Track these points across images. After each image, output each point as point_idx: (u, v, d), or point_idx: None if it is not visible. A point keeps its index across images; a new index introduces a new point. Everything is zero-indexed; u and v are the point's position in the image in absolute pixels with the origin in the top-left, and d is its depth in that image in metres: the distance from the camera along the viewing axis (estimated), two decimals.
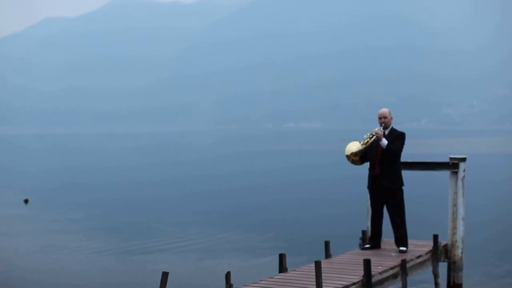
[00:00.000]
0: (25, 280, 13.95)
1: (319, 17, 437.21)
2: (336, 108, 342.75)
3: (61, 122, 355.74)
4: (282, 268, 8.82)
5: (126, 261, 15.84)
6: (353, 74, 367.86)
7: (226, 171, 45.67)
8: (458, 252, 10.57)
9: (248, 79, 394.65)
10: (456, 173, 10.56)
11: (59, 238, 19.22)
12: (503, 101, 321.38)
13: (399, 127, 10.29)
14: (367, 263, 8.14)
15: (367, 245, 10.39)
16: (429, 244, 10.36)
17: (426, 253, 10.03)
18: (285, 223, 21.70)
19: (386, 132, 10.07)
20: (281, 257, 8.88)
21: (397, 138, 9.99)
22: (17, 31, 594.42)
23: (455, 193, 10.59)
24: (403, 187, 10.13)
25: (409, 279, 9.35)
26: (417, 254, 9.87)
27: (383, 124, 10.06)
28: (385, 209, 10.18)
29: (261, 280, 8.36)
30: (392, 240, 10.41)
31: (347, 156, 10.15)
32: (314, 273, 7.75)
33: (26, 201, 27.96)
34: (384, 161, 9.95)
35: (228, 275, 7.76)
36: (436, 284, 10.16)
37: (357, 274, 8.40)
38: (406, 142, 10.14)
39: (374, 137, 9.95)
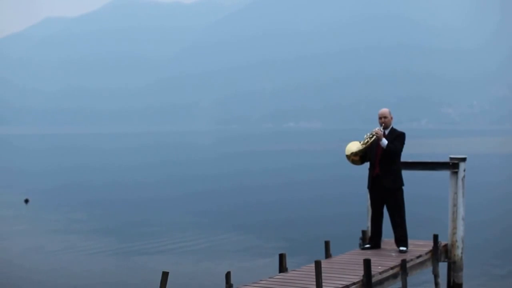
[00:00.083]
0: (25, 280, 13.95)
1: (319, 17, 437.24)
2: (336, 108, 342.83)
3: (61, 122, 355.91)
4: (282, 268, 8.82)
5: (126, 261, 15.84)
6: (353, 74, 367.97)
7: (226, 171, 45.67)
8: (458, 252, 10.58)
9: (248, 79, 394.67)
10: (456, 173, 10.56)
11: (59, 238, 19.22)
12: (503, 101, 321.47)
13: (399, 127, 10.29)
14: (367, 263, 8.14)
15: (367, 245, 10.39)
16: (429, 244, 10.36)
17: (426, 253, 10.03)
18: (285, 223, 21.70)
19: (386, 132, 10.07)
20: (281, 257, 8.88)
21: (397, 138, 9.99)
22: (17, 31, 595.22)
23: (455, 193, 10.59)
24: (403, 187, 10.13)
25: (409, 279, 9.35)
26: (417, 254, 9.87)
27: (383, 124, 10.06)
28: (385, 209, 10.18)
29: (261, 280, 8.37)
30: (392, 240, 10.41)
31: (347, 156, 10.15)
32: (314, 273, 7.75)
33: (26, 201, 27.97)
34: (384, 161, 9.96)
35: (228, 275, 7.77)
36: (436, 284, 10.17)
37: (357, 274, 8.40)
38: (406, 142, 10.15)
39: (374, 137, 9.96)
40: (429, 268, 10.20)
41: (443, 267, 10.61)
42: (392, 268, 8.92)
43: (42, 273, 14.59)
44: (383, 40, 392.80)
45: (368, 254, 9.64)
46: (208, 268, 14.83)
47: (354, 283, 8.05)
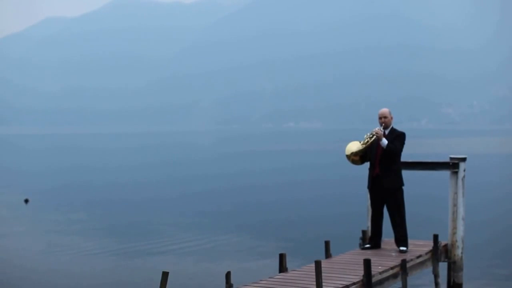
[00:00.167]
0: (25, 280, 13.95)
1: (319, 17, 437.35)
2: (336, 108, 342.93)
3: (61, 122, 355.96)
4: (282, 268, 8.82)
5: (126, 261, 15.84)
6: (353, 74, 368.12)
7: (226, 171, 45.67)
8: (458, 252, 10.57)
9: (248, 79, 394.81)
10: (456, 173, 10.56)
11: (59, 238, 19.22)
12: (503, 101, 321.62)
13: (399, 127, 10.29)
14: (367, 263, 8.14)
15: (367, 245, 10.39)
16: (429, 244, 10.36)
17: (426, 253, 10.03)
18: (285, 223, 21.69)
19: (386, 132, 10.07)
20: (281, 257, 8.88)
21: (397, 138, 9.99)
22: (17, 31, 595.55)
23: (455, 193, 10.59)
24: (403, 187, 10.13)
25: (409, 279, 9.35)
26: (417, 254, 9.87)
27: (383, 124, 10.06)
28: (385, 209, 10.19)
29: (261, 280, 8.36)
30: (392, 240, 10.41)
31: (347, 156, 10.15)
32: (314, 273, 7.74)
33: (26, 201, 27.96)
34: (384, 161, 9.96)
35: (228, 275, 7.76)
36: (436, 284, 10.17)
37: (357, 274, 8.40)
38: (406, 142, 10.15)
39: (374, 137, 9.96)
40: (429, 268, 10.20)
41: (443, 267, 10.61)
42: (392, 268, 8.92)
43: (42, 273, 14.59)
44: (383, 40, 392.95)
45: (368, 254, 9.64)
46: (208, 268, 14.82)
47: (354, 283, 8.05)
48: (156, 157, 66.45)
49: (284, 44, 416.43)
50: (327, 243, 9.96)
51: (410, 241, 10.29)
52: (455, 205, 10.60)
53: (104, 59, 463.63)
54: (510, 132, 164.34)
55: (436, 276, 10.15)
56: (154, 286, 9.75)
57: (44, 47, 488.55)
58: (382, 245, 10.42)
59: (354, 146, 10.12)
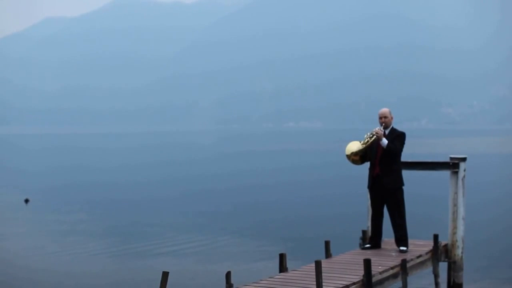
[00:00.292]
0: (25, 280, 13.95)
1: (319, 17, 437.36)
2: (336, 108, 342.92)
3: (61, 122, 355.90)
4: (283, 268, 8.82)
5: (126, 261, 15.84)
6: (353, 74, 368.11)
7: (226, 171, 45.67)
8: (459, 252, 10.58)
9: (248, 79, 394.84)
10: (456, 173, 10.56)
11: (58, 238, 19.22)
12: (503, 101, 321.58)
13: (399, 127, 10.30)
14: (367, 263, 8.14)
15: (367, 245, 10.39)
16: (429, 244, 10.36)
17: (426, 253, 10.03)
18: (285, 223, 21.69)
19: (387, 132, 10.08)
20: (281, 257, 8.88)
21: (397, 138, 10.00)
22: (17, 31, 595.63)
23: (456, 193, 10.59)
24: (403, 187, 10.14)
25: (409, 279, 9.35)
26: (417, 254, 9.87)
27: (383, 124, 10.07)
28: (385, 209, 10.19)
29: (261, 280, 8.37)
30: (393, 240, 10.41)
31: (347, 155, 10.16)
32: (314, 273, 7.75)
33: (26, 201, 27.96)
34: (384, 161, 9.96)
35: (228, 275, 7.76)
36: (436, 284, 10.17)
37: (358, 274, 8.40)
38: (406, 142, 10.16)
39: (375, 136, 9.96)
40: (429, 268, 10.20)
41: (443, 267, 10.61)
42: (392, 268, 8.92)
43: (42, 273, 14.59)
44: (383, 40, 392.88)
45: (368, 254, 9.65)
46: (208, 268, 14.82)
47: (354, 283, 8.06)
48: (156, 157, 66.43)
49: (284, 44, 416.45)
50: (327, 243, 9.96)
51: (410, 241, 10.30)
52: (455, 205, 10.60)
53: (104, 59, 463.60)
54: (510, 132, 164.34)
55: (436, 276, 10.15)
56: (154, 286, 9.75)
57: (44, 47, 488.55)
58: (382, 245, 10.42)
59: (354, 146, 10.12)
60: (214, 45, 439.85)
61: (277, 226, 21.11)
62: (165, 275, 7.10)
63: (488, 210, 23.74)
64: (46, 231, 20.61)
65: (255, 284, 8.09)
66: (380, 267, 8.81)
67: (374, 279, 8.31)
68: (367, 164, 10.33)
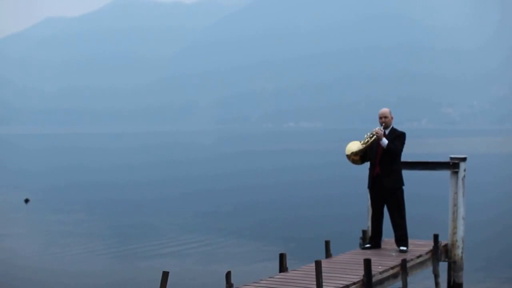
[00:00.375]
0: (25, 280, 13.95)
1: (319, 17, 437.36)
2: (336, 108, 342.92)
3: (61, 122, 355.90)
4: (283, 268, 8.82)
5: (126, 260, 15.84)
6: (353, 74, 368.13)
7: (226, 171, 45.67)
8: (459, 251, 10.57)
9: (248, 79, 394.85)
10: (456, 173, 10.56)
11: (59, 238, 19.22)
12: (503, 101, 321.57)
13: (399, 127, 10.30)
14: (367, 263, 8.14)
15: (368, 245, 10.39)
16: (430, 244, 10.36)
17: (427, 253, 10.03)
18: (285, 223, 21.70)
19: (387, 132, 10.07)
20: (282, 257, 8.88)
21: (397, 138, 9.99)
22: (17, 31, 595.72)
23: (456, 192, 10.59)
24: (403, 187, 10.13)
25: (410, 278, 9.35)
26: (418, 253, 9.87)
27: (383, 124, 10.06)
28: (385, 209, 10.19)
29: (261, 280, 8.36)
30: (393, 240, 10.41)
31: (347, 155, 10.15)
32: (314, 273, 7.74)
33: (26, 200, 27.97)
34: (385, 161, 9.96)
35: (228, 275, 7.76)
36: (437, 284, 10.17)
37: (358, 274, 8.40)
38: (406, 142, 10.15)
39: (375, 136, 9.96)
40: (429, 268, 10.20)
41: (443, 267, 10.61)
42: (392, 268, 8.92)
43: (42, 273, 14.59)
44: (383, 40, 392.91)
45: (369, 253, 9.64)
46: (208, 267, 14.82)
47: (354, 283, 8.05)
48: (156, 157, 66.44)
49: (284, 44, 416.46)
50: (327, 243, 9.96)
51: (410, 241, 10.30)
52: (455, 205, 10.60)
53: (104, 59, 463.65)
54: (510, 132, 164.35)
55: (436, 276, 10.15)
56: (154, 286, 9.75)
57: (44, 47, 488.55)
58: (382, 245, 10.42)
59: (354, 145, 10.12)
60: (214, 45, 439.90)
61: (277, 226, 21.11)
62: (165, 275, 7.10)
63: (488, 210, 23.74)
64: (46, 231, 20.61)
65: (255, 284, 8.09)
66: (380, 267, 8.81)
67: (374, 279, 8.30)
68: (367, 164, 10.33)
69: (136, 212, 24.98)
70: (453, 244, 10.58)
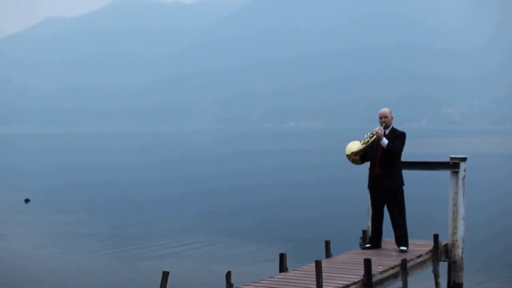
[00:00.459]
0: (25, 280, 13.95)
1: (319, 17, 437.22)
2: (336, 108, 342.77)
3: (61, 122, 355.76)
4: (283, 268, 8.82)
5: (126, 260, 15.84)
6: (353, 74, 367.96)
7: (226, 171, 45.67)
8: (459, 251, 10.58)
9: (248, 79, 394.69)
10: (456, 172, 10.56)
11: (59, 237, 19.22)
12: (503, 101, 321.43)
13: (399, 127, 10.30)
14: (367, 263, 8.14)
15: (368, 245, 10.39)
16: (430, 244, 10.36)
17: (427, 253, 10.03)
18: (285, 223, 21.70)
19: (387, 131, 10.08)
20: (282, 257, 8.88)
21: (397, 138, 10.00)
22: (17, 31, 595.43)
23: (456, 192, 10.59)
24: (403, 187, 10.13)
25: (410, 278, 9.34)
26: (418, 253, 9.87)
27: (383, 124, 10.07)
28: (385, 209, 10.19)
29: (261, 280, 8.37)
30: (393, 240, 10.41)
31: (347, 155, 10.15)
32: (314, 273, 7.75)
33: (26, 200, 27.97)
34: (385, 161, 9.96)
35: (228, 275, 7.76)
36: (437, 283, 10.17)
37: (358, 274, 8.40)
38: (406, 141, 10.15)
39: (375, 136, 9.96)
40: (429, 268, 10.20)
41: (443, 266, 10.61)
42: (392, 268, 8.92)
43: (42, 273, 14.59)
44: (383, 40, 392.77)
45: (369, 253, 9.65)
46: (208, 267, 14.82)
47: (354, 283, 8.05)
48: (156, 157, 66.43)
49: (284, 44, 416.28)
50: (327, 243, 9.96)
51: (410, 240, 10.30)
52: (455, 205, 10.60)
53: (104, 59, 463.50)
54: (510, 132, 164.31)
55: (436, 276, 10.15)
56: (154, 286, 9.75)
57: (44, 47, 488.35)
58: (383, 245, 10.42)
59: (355, 145, 10.12)
60: (214, 45, 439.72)
61: (277, 226, 21.11)
62: (165, 275, 7.10)
63: (488, 210, 23.74)
64: (46, 231, 20.61)
65: (255, 284, 8.09)
66: (380, 267, 8.81)
67: (374, 279, 8.31)
68: (367, 164, 10.33)
69: (136, 212, 24.98)
70: (453, 244, 10.58)
